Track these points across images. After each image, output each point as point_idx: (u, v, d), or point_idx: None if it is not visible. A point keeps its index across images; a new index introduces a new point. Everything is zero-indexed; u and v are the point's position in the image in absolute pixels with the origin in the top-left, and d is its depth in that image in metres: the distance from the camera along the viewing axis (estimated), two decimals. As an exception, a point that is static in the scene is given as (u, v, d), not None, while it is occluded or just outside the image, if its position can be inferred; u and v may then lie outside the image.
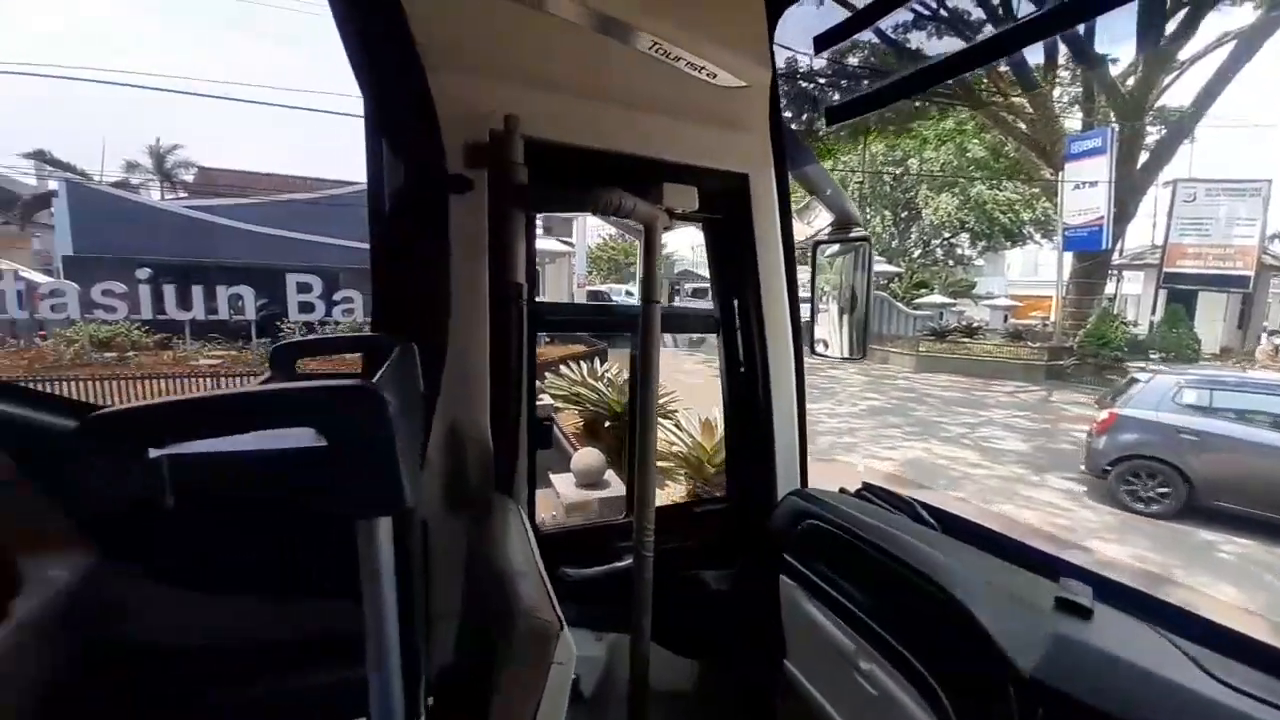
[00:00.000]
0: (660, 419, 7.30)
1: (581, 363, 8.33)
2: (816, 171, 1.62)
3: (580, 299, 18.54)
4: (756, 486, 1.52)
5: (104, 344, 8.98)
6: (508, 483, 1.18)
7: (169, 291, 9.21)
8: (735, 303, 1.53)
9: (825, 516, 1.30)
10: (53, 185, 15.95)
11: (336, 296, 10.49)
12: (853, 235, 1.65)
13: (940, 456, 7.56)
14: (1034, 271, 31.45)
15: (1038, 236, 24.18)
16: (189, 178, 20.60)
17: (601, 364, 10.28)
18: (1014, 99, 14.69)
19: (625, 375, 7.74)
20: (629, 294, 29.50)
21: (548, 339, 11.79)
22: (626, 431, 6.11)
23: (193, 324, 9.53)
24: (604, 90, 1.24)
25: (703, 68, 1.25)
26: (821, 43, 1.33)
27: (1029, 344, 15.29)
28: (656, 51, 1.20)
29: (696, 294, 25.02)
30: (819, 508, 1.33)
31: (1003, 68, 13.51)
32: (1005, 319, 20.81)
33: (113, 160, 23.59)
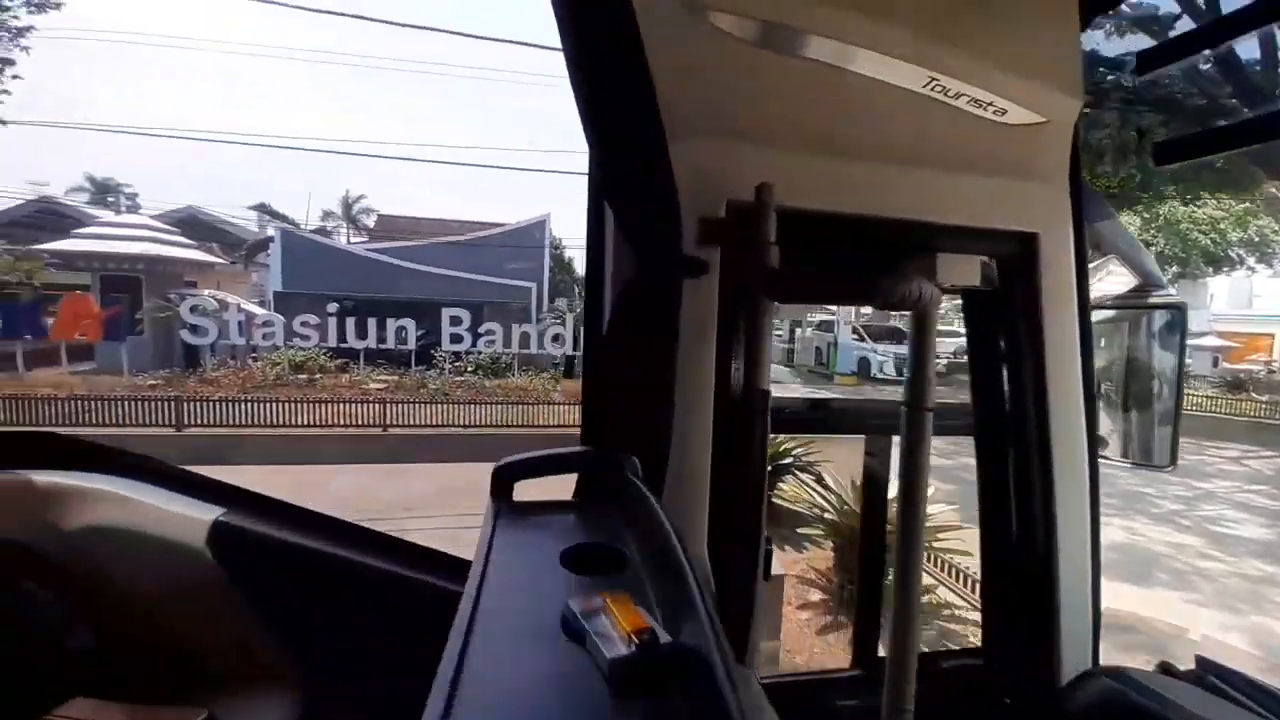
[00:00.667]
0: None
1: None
2: (1110, 223, 1.28)
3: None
4: (1028, 650, 1.16)
5: (298, 367, 10.55)
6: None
7: (349, 324, 10.61)
8: (1006, 397, 1.22)
9: None
10: (270, 231, 19.55)
11: (481, 329, 11.40)
12: (1159, 301, 1.27)
13: (1152, 540, 6.15)
14: (1247, 304, 25.91)
15: (1251, 261, 19.80)
16: (370, 222, 24.12)
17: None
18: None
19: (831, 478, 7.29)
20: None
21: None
22: (852, 552, 5.66)
23: (365, 351, 10.87)
24: (859, 143, 1.04)
25: (989, 104, 1.01)
26: (1148, 62, 1.03)
27: (1253, 395, 12.31)
28: (933, 89, 0.98)
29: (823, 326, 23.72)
30: (1157, 705, 0.95)
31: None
32: (1216, 362, 17.09)
33: (314, 209, 28.44)
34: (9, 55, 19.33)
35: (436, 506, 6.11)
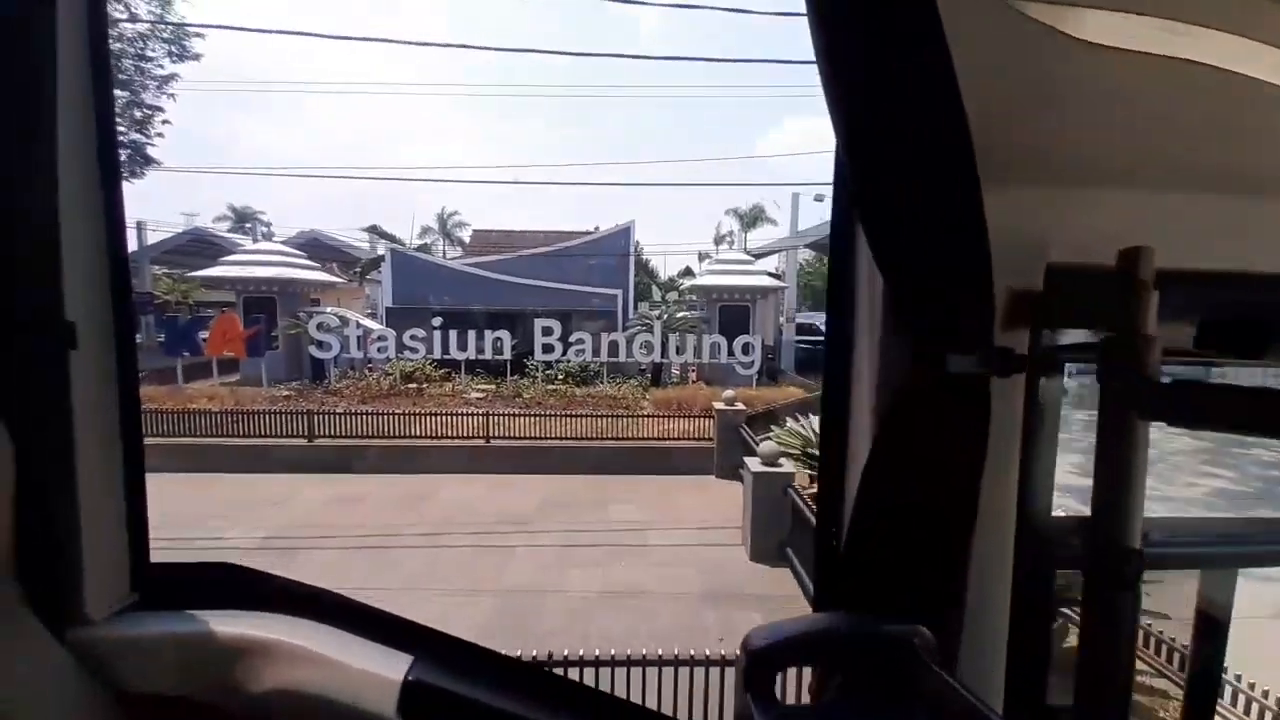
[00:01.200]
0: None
1: (812, 417, 7.65)
2: None
3: (788, 332, 17.70)
4: None
5: (408, 377, 11.26)
6: None
7: (451, 335, 11.16)
8: None
9: None
10: (380, 250, 21.20)
11: (571, 338, 11.58)
12: None
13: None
14: None
15: None
16: (464, 236, 25.55)
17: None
18: None
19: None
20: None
21: (767, 380, 11.25)
22: None
23: (465, 362, 11.39)
24: (1257, 175, 0.74)
25: None
26: None
27: None
28: None
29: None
30: None
31: None
32: None
33: (415, 227, 30.60)
34: (158, 103, 22.43)
35: (539, 520, 6.18)
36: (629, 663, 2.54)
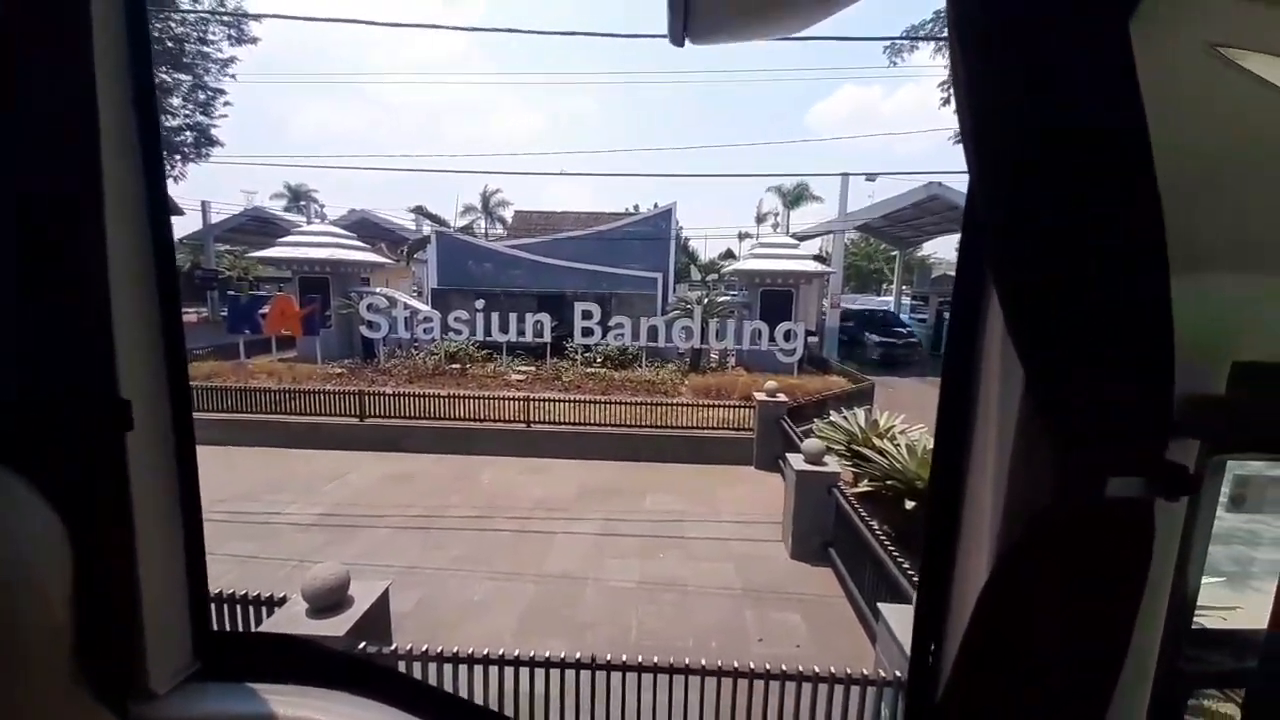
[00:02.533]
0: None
1: (857, 411, 7.42)
2: None
3: (832, 319, 17.18)
4: None
5: (452, 358, 11.54)
6: None
7: (494, 318, 11.33)
8: None
9: None
10: (426, 230, 21.64)
11: (610, 322, 11.58)
12: None
13: None
14: None
15: None
16: (506, 215, 25.76)
17: (869, 408, 9.12)
18: None
19: (914, 431, 6.58)
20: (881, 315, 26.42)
21: (805, 368, 10.90)
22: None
23: (507, 344, 11.56)
24: None
25: None
26: None
27: None
28: None
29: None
30: None
31: None
32: None
33: (459, 206, 31.03)
34: (220, 85, 23.23)
35: (578, 508, 6.26)
36: (671, 670, 2.54)
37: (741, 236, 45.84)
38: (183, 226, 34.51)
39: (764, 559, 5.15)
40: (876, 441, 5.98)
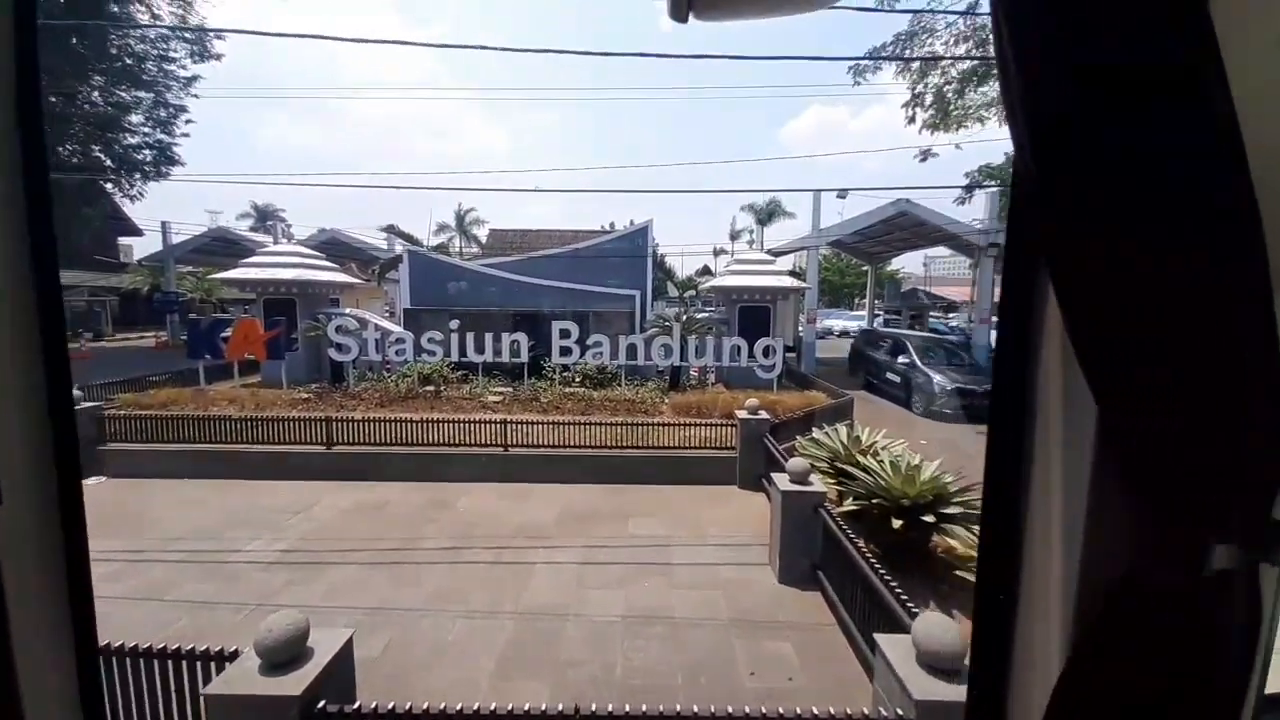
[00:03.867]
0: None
1: (839, 427, 7.39)
2: None
3: (809, 335, 17.32)
4: None
5: (426, 380, 11.21)
6: None
7: (469, 338, 11.07)
8: None
9: None
10: (398, 248, 21.26)
11: (589, 341, 11.42)
12: None
13: None
14: None
15: None
16: (481, 234, 25.51)
17: (849, 423, 9.12)
18: None
19: (898, 446, 6.56)
20: (845, 333, 26.84)
21: (786, 383, 10.92)
22: (917, 533, 4.89)
23: (483, 364, 11.30)
24: None
25: None
26: None
27: None
28: None
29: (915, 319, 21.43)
30: None
31: None
32: None
33: (432, 225, 30.68)
34: (181, 102, 22.68)
35: (559, 534, 6.04)
36: (661, 718, 2.36)
37: (717, 253, 46.48)
38: (142, 247, 33.32)
39: (751, 584, 5.00)
40: (860, 458, 5.92)
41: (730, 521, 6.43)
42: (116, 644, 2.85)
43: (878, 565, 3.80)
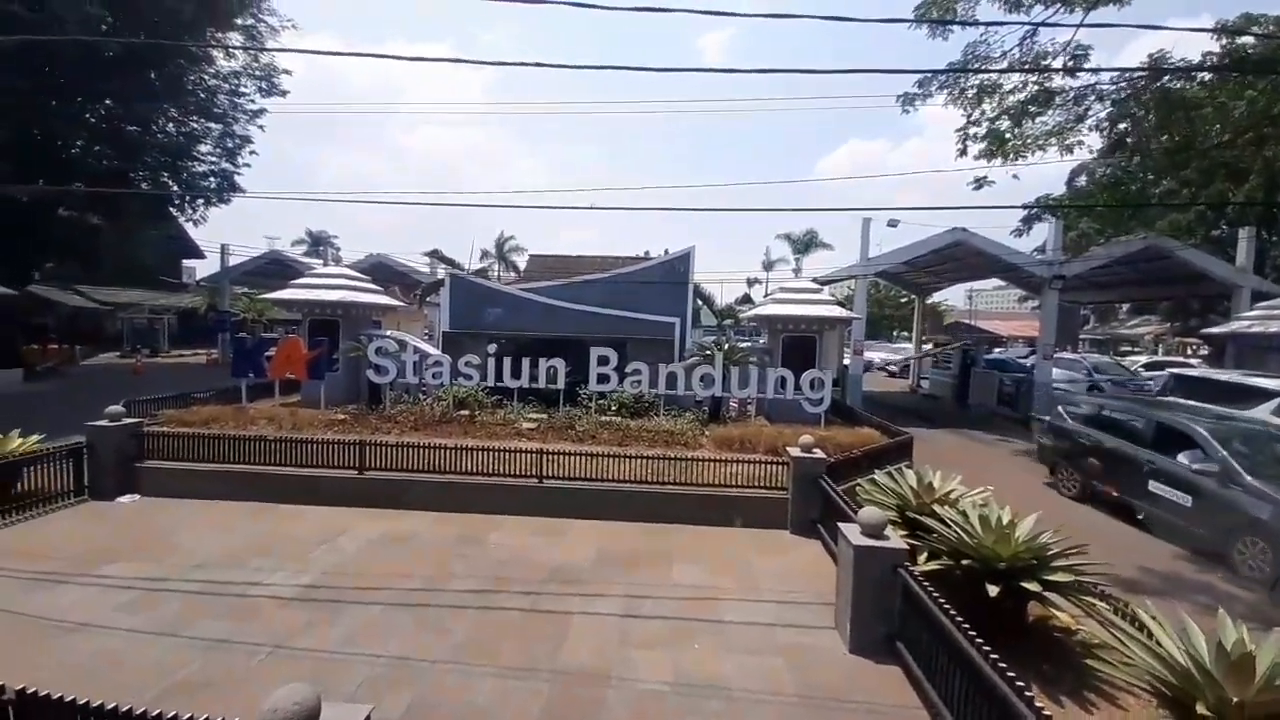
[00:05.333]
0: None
1: (904, 469, 6.71)
2: None
3: (854, 368, 16.54)
4: None
5: (461, 404, 10.99)
6: None
7: (505, 363, 10.84)
8: None
9: None
10: (440, 273, 21.62)
11: (627, 368, 11.04)
12: None
13: None
14: None
15: None
16: (520, 261, 25.81)
17: (908, 464, 8.36)
18: None
19: (977, 495, 5.85)
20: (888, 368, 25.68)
21: (828, 417, 10.08)
22: (1012, 602, 4.20)
23: (518, 390, 11.03)
24: None
25: None
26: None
27: None
28: None
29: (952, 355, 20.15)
30: None
31: None
32: None
33: (475, 252, 31.34)
34: (247, 133, 23.97)
35: (596, 580, 5.52)
36: None
37: (750, 283, 45.93)
38: (204, 269, 35.11)
39: (818, 652, 4.36)
40: (938, 509, 5.25)
41: (785, 573, 5.79)
42: (110, 705, 2.49)
43: (983, 643, 3.17)
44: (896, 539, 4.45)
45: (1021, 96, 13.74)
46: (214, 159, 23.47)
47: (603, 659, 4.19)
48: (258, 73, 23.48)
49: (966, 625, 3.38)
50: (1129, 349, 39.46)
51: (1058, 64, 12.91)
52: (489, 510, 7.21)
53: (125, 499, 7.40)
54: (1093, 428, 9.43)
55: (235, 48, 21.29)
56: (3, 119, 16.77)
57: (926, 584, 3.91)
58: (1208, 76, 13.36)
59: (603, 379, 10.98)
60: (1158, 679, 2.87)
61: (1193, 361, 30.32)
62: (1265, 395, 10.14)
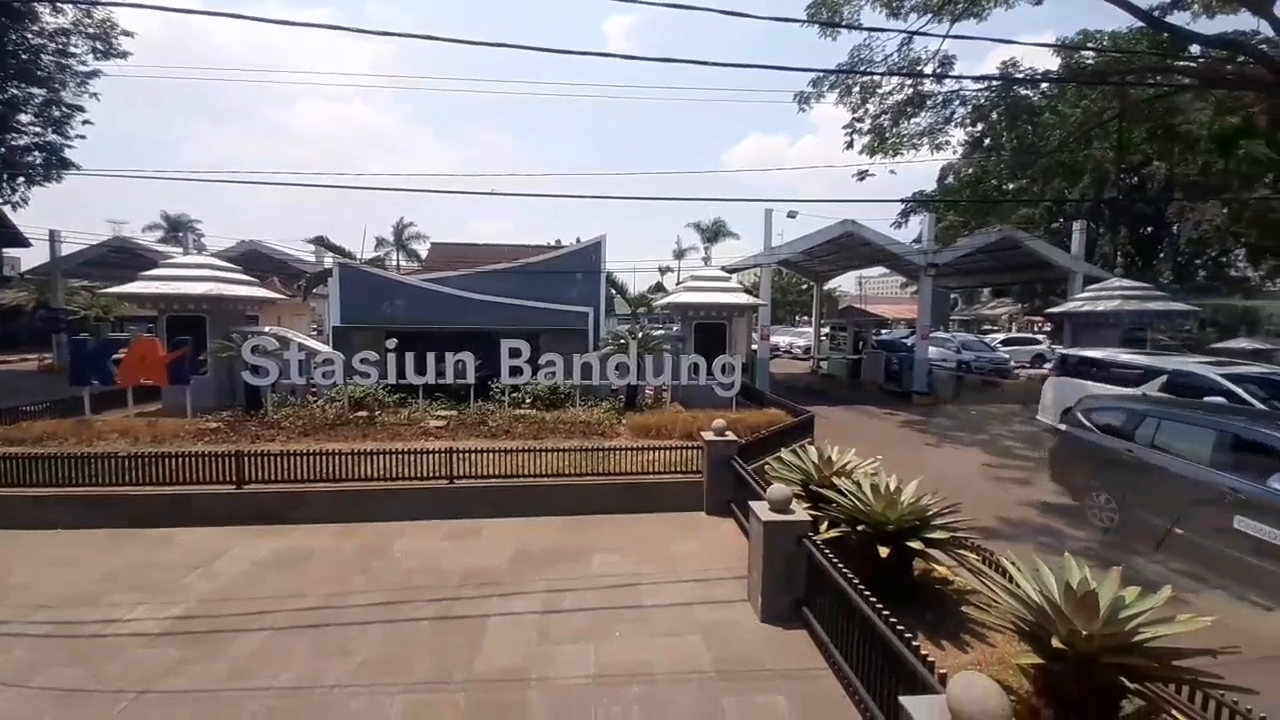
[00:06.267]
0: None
1: (808, 446, 7.15)
2: None
3: (761, 353, 17.38)
4: None
5: (358, 404, 10.19)
6: None
7: (408, 358, 10.19)
8: None
9: None
10: (327, 263, 19.79)
11: (541, 360, 10.80)
12: None
13: None
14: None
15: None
16: (422, 250, 24.26)
17: (810, 441, 8.95)
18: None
19: (869, 465, 6.36)
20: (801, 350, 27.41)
21: (744, 401, 10.59)
22: (899, 560, 4.63)
23: (424, 386, 10.42)
24: None
25: None
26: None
27: None
28: None
29: (864, 341, 22.18)
30: None
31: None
32: None
33: (368, 239, 29.03)
34: (78, 101, 20.48)
35: (514, 578, 5.38)
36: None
37: (663, 271, 46.85)
38: (29, 259, 29.60)
39: (733, 626, 4.55)
40: (836, 480, 5.65)
41: (702, 553, 5.98)
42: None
43: (876, 602, 3.44)
44: (801, 512, 4.73)
45: (899, 98, 15.04)
46: (38, 130, 19.77)
47: (522, 660, 4.08)
48: (90, 30, 19.95)
49: (862, 585, 3.66)
50: (990, 328, 45.01)
51: (929, 70, 14.22)
52: (394, 518, 6.76)
53: (-75, 539, 6.08)
54: (1126, 440, 6.96)
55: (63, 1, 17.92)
56: None
57: (828, 551, 4.19)
58: (1049, 87, 15.42)
59: (515, 371, 10.67)
60: (1018, 618, 3.29)
61: (1039, 337, 35.02)
62: (1153, 374, 9.93)
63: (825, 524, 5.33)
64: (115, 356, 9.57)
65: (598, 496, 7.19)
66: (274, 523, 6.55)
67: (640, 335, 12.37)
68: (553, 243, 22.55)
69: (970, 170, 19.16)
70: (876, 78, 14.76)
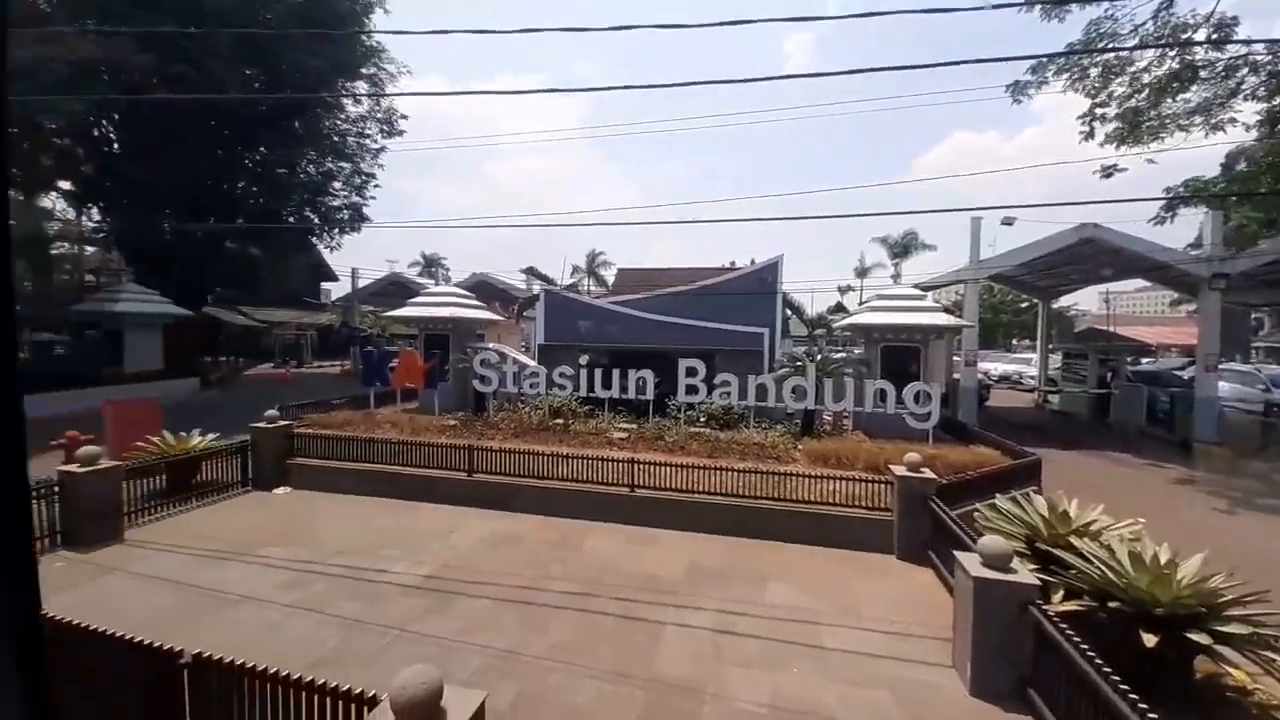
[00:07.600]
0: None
1: (1031, 495, 6.07)
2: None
3: (966, 381, 15.19)
4: None
5: (555, 413, 11.50)
6: None
7: (597, 374, 11.21)
8: None
9: None
10: (536, 288, 22.89)
11: (716, 380, 10.98)
12: None
13: None
14: None
15: None
16: (609, 276, 26.63)
17: (1035, 489, 7.51)
18: None
19: (1122, 527, 5.14)
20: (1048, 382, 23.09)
21: (940, 434, 9.24)
22: (1174, 653, 3.63)
23: (609, 400, 11.33)
24: None
25: None
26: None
27: None
28: None
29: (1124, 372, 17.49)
30: None
31: None
32: None
33: (566, 267, 32.81)
34: (372, 170, 26.83)
35: (689, 592, 5.52)
36: None
37: (842, 290, 43.62)
38: (337, 290, 39.74)
39: (931, 690, 4.05)
40: (1076, 541, 4.68)
41: (891, 602, 5.44)
42: (284, 673, 2.90)
43: (1135, 698, 2.78)
44: (1025, 573, 4.03)
45: (1159, 73, 12.04)
46: (345, 194, 26.65)
47: (697, 672, 4.18)
48: (379, 115, 26.35)
49: (1117, 678, 2.98)
50: (1324, 359, 32.68)
51: (1199, 37, 11.18)
52: (582, 517, 7.46)
53: (280, 490, 8.55)
54: None
55: (361, 95, 24.05)
56: (183, 169, 20.17)
57: (1066, 628, 3.50)
58: None
59: (691, 390, 11.00)
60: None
61: None
62: None
63: (1060, 593, 4.46)
64: (390, 365, 12.34)
65: (770, 521, 7.02)
66: (493, 508, 7.74)
67: (819, 357, 11.80)
68: (728, 264, 22.84)
69: (1271, 155, 14.33)
70: (1124, 55, 12.05)
